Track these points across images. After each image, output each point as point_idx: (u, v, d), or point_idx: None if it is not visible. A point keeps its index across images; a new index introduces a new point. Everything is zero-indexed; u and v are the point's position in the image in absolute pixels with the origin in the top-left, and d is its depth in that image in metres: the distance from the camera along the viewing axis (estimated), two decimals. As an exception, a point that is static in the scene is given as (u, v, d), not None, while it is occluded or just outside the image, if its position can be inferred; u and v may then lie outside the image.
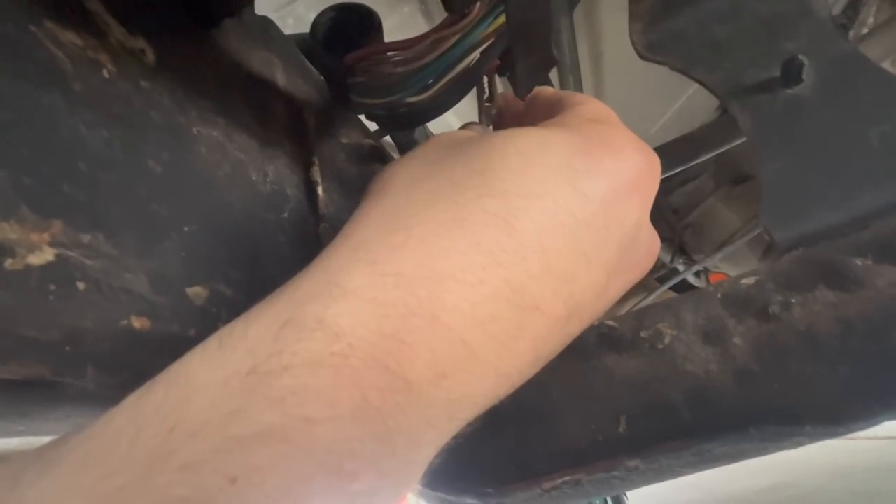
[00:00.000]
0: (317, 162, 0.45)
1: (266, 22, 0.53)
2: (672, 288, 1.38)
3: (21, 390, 0.22)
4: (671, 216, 1.69)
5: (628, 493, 1.32)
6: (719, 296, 0.35)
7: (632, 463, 0.29)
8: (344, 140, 0.57)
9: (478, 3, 0.29)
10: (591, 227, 0.24)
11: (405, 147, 0.52)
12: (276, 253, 0.35)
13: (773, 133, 0.39)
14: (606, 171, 0.25)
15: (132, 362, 0.23)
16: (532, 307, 0.21)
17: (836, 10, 0.94)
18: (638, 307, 1.43)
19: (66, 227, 0.20)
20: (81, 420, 0.28)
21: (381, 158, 0.59)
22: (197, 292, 0.26)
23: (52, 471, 0.15)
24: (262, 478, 0.14)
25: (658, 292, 1.27)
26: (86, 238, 0.21)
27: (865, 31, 0.71)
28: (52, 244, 0.19)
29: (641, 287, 1.49)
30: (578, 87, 0.85)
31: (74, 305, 0.20)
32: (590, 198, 0.24)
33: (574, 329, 0.28)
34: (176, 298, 0.24)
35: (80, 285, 0.20)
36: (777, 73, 0.40)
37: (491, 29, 0.32)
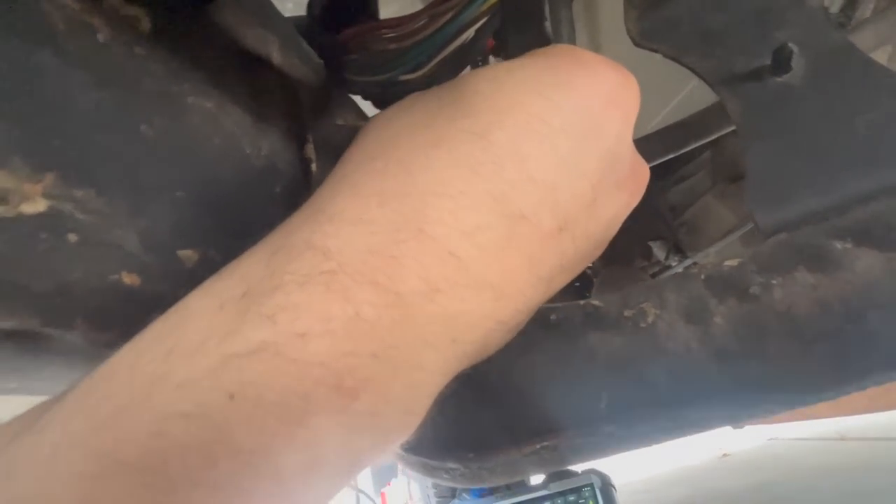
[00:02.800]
0: (311, 140, 0.45)
1: (262, 1, 0.53)
2: (663, 282, 1.39)
3: (11, 342, 0.22)
4: (667, 214, 1.70)
5: (620, 490, 1.34)
6: (703, 277, 0.35)
7: (608, 428, 0.30)
8: (339, 122, 0.57)
9: (471, -20, 0.30)
10: (567, 134, 0.24)
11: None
12: (268, 226, 0.36)
13: (760, 119, 0.40)
14: (577, 83, 0.25)
15: (122, 318, 0.23)
16: (517, 216, 0.22)
17: (835, 9, 0.94)
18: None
19: (59, 181, 0.21)
20: (74, 379, 0.29)
21: (376, 141, 0.59)
22: (188, 255, 0.26)
23: (60, 400, 0.15)
24: (258, 393, 0.15)
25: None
26: (78, 193, 0.21)
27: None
28: (44, 195, 0.20)
29: (636, 281, 1.50)
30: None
31: (65, 257, 0.20)
32: (562, 106, 0.24)
33: (568, 246, 0.27)
34: (166, 259, 0.25)
35: (72, 237, 0.20)
36: (767, 61, 0.41)
37: (485, 6, 0.32)
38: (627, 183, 0.31)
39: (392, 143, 0.23)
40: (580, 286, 2.11)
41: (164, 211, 0.26)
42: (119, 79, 0.27)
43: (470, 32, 0.34)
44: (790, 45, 0.39)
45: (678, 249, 1.70)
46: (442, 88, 0.27)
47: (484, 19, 0.33)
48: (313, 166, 0.44)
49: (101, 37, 0.27)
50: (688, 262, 1.34)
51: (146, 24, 0.31)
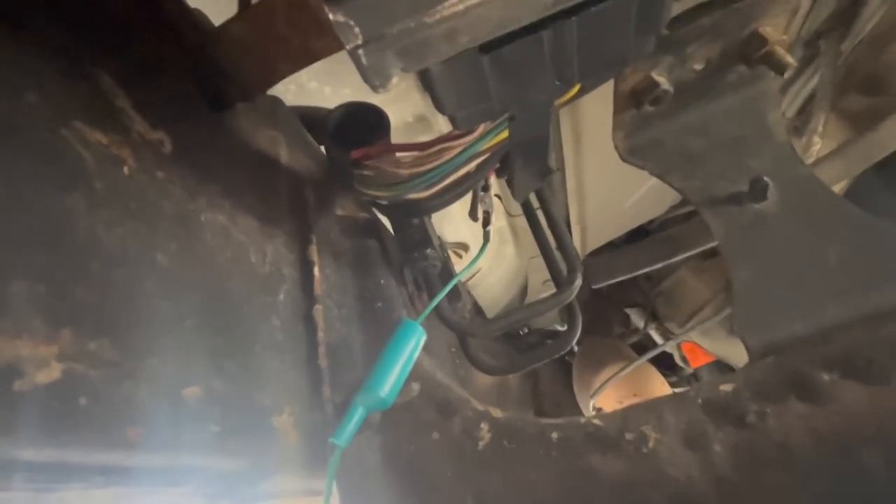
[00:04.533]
0: (314, 240, 0.46)
1: (275, 101, 0.55)
2: (642, 351, 1.42)
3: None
4: (644, 283, 1.76)
5: None
6: (700, 401, 0.36)
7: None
8: (339, 212, 0.58)
9: (482, 124, 0.32)
10: None
11: (399, 227, 0.54)
12: (269, 338, 0.35)
13: (741, 243, 0.43)
14: None
15: (118, 471, 0.22)
16: None
17: (790, 113, 1.05)
18: (619, 377, 1.44)
19: (74, 337, 0.20)
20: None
21: (374, 232, 0.60)
22: (192, 392, 0.26)
23: None
24: None
25: (637, 363, 1.30)
26: (92, 345, 0.21)
27: (817, 140, 0.79)
28: (59, 358, 0.19)
29: (619, 356, 1.51)
30: (560, 163, 0.90)
31: (73, 423, 0.19)
32: None
33: None
34: (172, 401, 0.24)
35: (82, 400, 0.20)
36: (745, 187, 0.44)
37: (492, 142, 0.35)
38: None
39: None
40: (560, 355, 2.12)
41: (173, 345, 0.25)
42: (141, 209, 0.27)
43: (475, 163, 0.36)
44: (765, 178, 0.43)
45: (655, 317, 1.75)
46: None
47: (487, 155, 0.35)
48: (315, 269, 0.44)
49: (126, 169, 0.27)
50: (672, 342, 1.37)
51: (168, 146, 0.32)
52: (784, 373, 0.36)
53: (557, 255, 0.53)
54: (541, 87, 0.28)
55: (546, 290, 1.61)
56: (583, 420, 0.38)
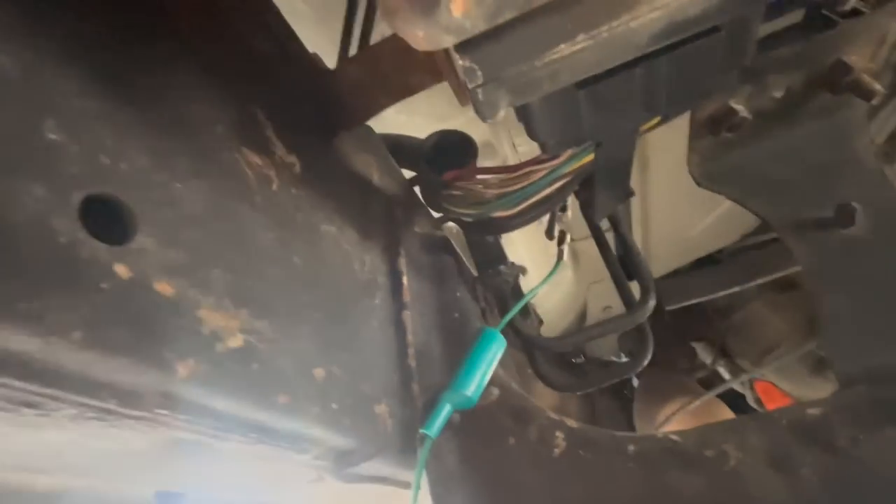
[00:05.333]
0: (403, 253, 0.51)
1: (368, 129, 0.62)
2: (709, 388, 1.33)
3: (178, 444, 0.26)
4: (714, 316, 1.66)
5: None
6: (784, 422, 0.36)
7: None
8: (417, 230, 0.63)
9: (568, 151, 0.36)
10: None
11: (475, 243, 0.58)
12: (370, 337, 0.40)
13: (831, 268, 0.42)
14: None
15: (267, 431, 0.27)
16: None
17: (880, 139, 0.99)
18: (685, 410, 1.37)
19: (249, 316, 0.25)
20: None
21: (448, 249, 0.65)
22: (319, 373, 0.30)
23: None
24: None
25: (703, 398, 1.23)
26: (259, 324, 0.26)
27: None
28: (241, 330, 0.24)
29: (685, 391, 1.43)
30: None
31: (248, 383, 0.24)
32: None
33: None
34: (306, 378, 0.29)
35: (255, 366, 0.25)
36: (830, 213, 0.44)
37: (575, 166, 0.38)
38: None
39: None
40: (619, 384, 2.03)
41: (307, 332, 0.30)
42: (284, 218, 0.33)
43: (557, 186, 0.39)
44: (852, 203, 0.42)
45: (724, 353, 1.64)
46: None
47: (570, 178, 0.38)
48: (404, 279, 0.49)
49: (274, 186, 0.34)
50: (743, 377, 1.29)
51: (298, 168, 0.39)
52: (879, 401, 0.35)
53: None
54: (629, 118, 0.31)
55: (605, 316, 1.57)
56: (659, 435, 0.39)
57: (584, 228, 0.68)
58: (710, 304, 1.68)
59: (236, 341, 0.24)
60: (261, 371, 0.25)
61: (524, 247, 1.14)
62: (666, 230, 1.30)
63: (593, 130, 0.32)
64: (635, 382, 1.84)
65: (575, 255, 1.36)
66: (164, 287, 0.21)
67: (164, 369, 0.20)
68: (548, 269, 0.60)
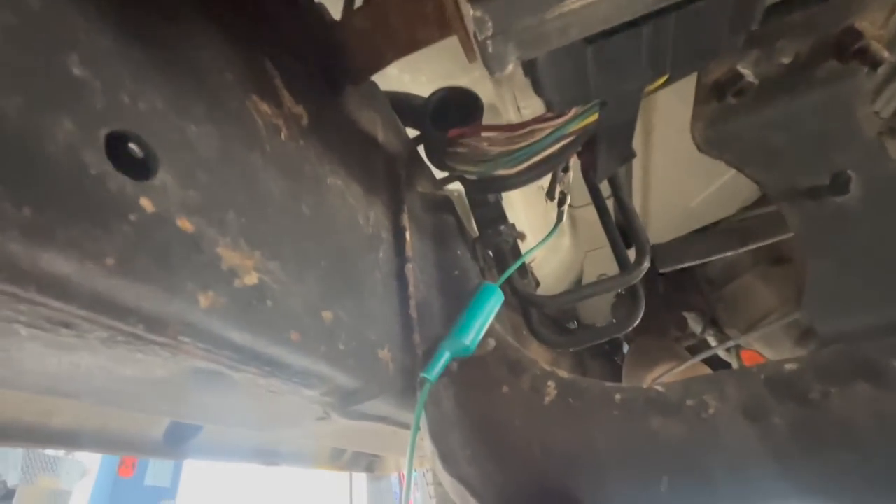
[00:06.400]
0: (406, 210, 0.52)
1: (373, 86, 0.62)
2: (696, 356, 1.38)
3: (198, 373, 0.28)
4: (705, 286, 1.70)
5: None
6: (762, 377, 0.38)
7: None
8: (419, 189, 0.64)
9: (574, 108, 0.36)
10: None
11: (476, 203, 0.58)
12: (373, 288, 0.41)
13: (819, 234, 0.44)
14: None
15: (279, 365, 0.29)
16: None
17: (886, 114, 0.98)
18: (669, 375, 1.42)
19: (262, 257, 0.27)
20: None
21: (450, 209, 0.66)
22: (327, 315, 0.32)
23: None
24: None
25: (689, 363, 1.27)
26: (272, 265, 0.27)
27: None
28: (256, 269, 0.26)
29: (673, 356, 1.48)
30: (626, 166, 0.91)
31: (263, 318, 0.26)
32: None
33: None
34: (315, 319, 0.30)
35: (269, 303, 0.26)
36: (826, 181, 0.45)
37: (579, 126, 0.38)
38: None
39: None
40: (609, 350, 2.09)
41: (315, 277, 0.32)
42: (292, 168, 0.34)
43: (561, 144, 0.40)
44: (848, 171, 0.43)
45: (714, 324, 1.68)
46: None
47: (574, 137, 0.39)
48: (407, 234, 0.50)
49: (283, 135, 0.34)
50: (729, 344, 1.33)
51: (306, 119, 0.39)
52: (853, 358, 0.37)
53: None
54: (635, 76, 0.32)
55: (601, 284, 1.60)
56: (645, 386, 0.41)
57: (582, 196, 0.69)
58: (703, 275, 1.71)
59: (252, 279, 0.25)
60: (274, 308, 0.26)
61: (524, 214, 1.15)
62: (666, 199, 1.30)
63: (599, 88, 0.33)
64: (626, 349, 1.90)
65: (573, 222, 1.38)
66: (185, 223, 0.22)
67: (187, 299, 0.21)
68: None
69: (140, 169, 0.21)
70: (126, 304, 0.20)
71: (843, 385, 0.36)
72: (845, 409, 0.35)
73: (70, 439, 0.62)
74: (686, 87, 0.59)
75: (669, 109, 1.00)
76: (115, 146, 0.20)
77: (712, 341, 1.57)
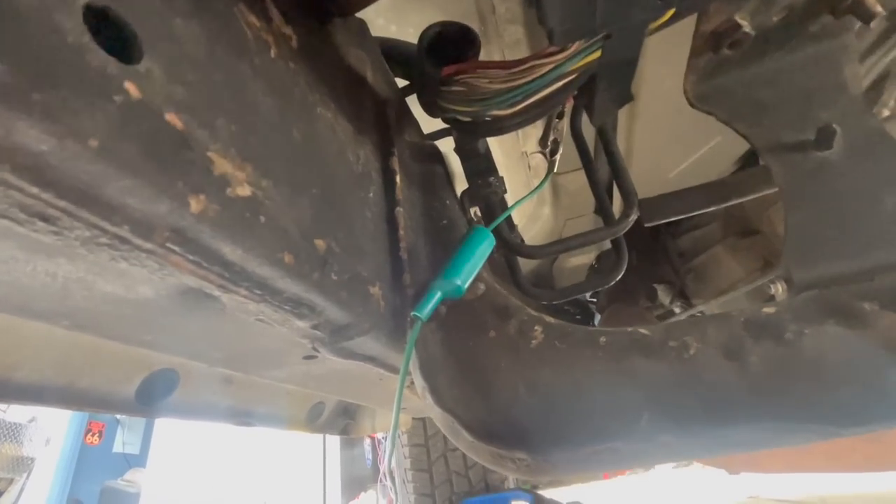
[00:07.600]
0: (396, 154, 0.50)
1: (362, 24, 0.59)
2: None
3: (190, 297, 0.26)
4: (676, 259, 1.76)
5: None
6: (742, 319, 0.40)
7: (660, 438, 0.34)
8: (408, 138, 0.62)
9: (576, 43, 0.35)
10: None
11: (466, 154, 0.57)
12: (364, 225, 0.40)
13: (801, 187, 0.45)
14: None
15: (270, 289, 0.28)
16: None
17: (866, 83, 1.01)
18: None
19: (254, 171, 0.25)
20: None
21: (438, 159, 0.64)
22: (319, 243, 0.31)
23: None
24: None
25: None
26: (264, 182, 0.26)
27: (886, 112, 0.78)
28: (248, 182, 0.24)
29: (643, 321, 1.54)
30: (613, 122, 0.91)
31: (258, 233, 0.24)
32: None
33: None
34: (309, 244, 0.29)
35: (262, 219, 0.25)
36: (811, 136, 0.46)
37: (581, 63, 0.37)
38: None
39: None
40: (582, 320, 2.16)
41: (307, 203, 0.30)
42: (282, 89, 0.32)
43: (560, 83, 0.39)
44: (834, 125, 0.44)
45: (683, 295, 1.75)
46: None
47: (574, 76, 0.38)
48: (397, 177, 0.48)
49: (272, 52, 0.32)
50: (693, 311, 1.39)
51: (295, 42, 0.36)
52: (826, 302, 0.39)
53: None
54: (643, 6, 0.31)
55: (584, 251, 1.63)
56: (630, 329, 0.42)
57: (564, 163, 0.68)
58: (675, 247, 1.77)
59: (244, 190, 0.24)
60: (268, 225, 0.25)
61: (505, 173, 1.15)
62: (645, 170, 1.32)
63: (605, 19, 0.32)
64: (597, 321, 1.96)
65: (554, 189, 1.38)
66: (173, 119, 0.20)
67: (177, 199, 0.20)
68: (528, 204, 0.61)
69: (124, 51, 0.19)
70: (110, 198, 0.18)
71: (817, 325, 0.38)
72: (818, 348, 0.37)
73: (34, 395, 0.60)
74: (675, 58, 0.59)
75: (656, 79, 1.00)
76: (97, 23, 0.18)
77: (678, 311, 1.64)
